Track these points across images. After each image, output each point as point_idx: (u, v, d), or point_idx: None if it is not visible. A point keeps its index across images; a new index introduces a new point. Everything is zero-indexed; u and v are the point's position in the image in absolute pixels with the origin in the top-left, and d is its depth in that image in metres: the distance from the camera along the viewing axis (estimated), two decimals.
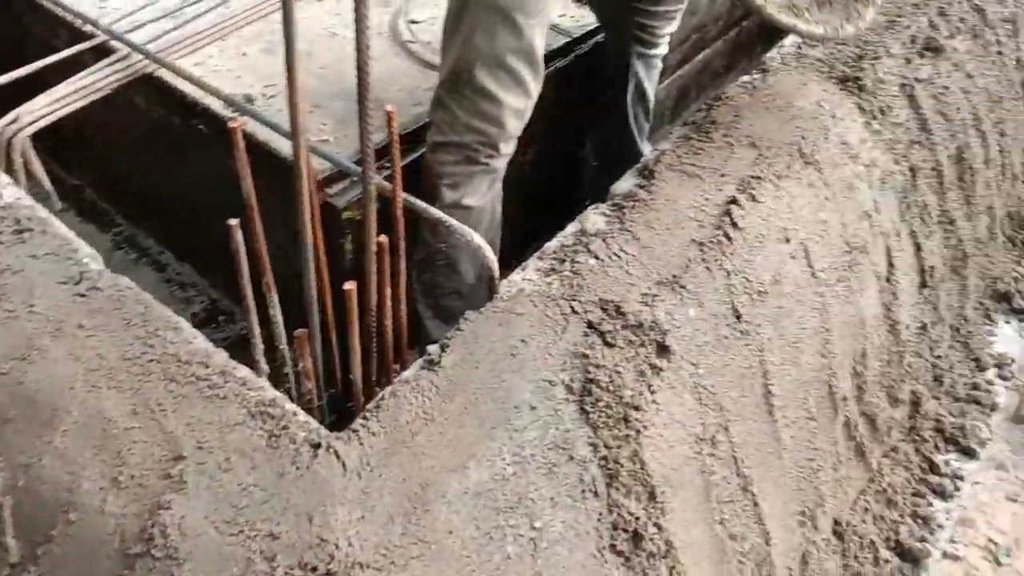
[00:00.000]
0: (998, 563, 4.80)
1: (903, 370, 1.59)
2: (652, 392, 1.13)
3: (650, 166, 1.41)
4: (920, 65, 1.76)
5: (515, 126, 1.58)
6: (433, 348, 1.10)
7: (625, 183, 1.39)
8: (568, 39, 1.95)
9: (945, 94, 1.78)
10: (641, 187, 1.37)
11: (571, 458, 1.04)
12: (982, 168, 1.87)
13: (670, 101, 2.29)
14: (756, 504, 1.24)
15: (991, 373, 1.79)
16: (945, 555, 4.93)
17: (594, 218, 1.33)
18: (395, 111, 1.02)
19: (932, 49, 1.78)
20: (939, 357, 1.70)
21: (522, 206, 1.78)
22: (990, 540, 5.02)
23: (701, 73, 2.34)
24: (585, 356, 1.12)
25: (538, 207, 1.89)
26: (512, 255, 1.53)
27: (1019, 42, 2.04)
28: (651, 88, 2.02)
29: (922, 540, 1.51)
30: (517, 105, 1.55)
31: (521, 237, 1.72)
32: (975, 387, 1.74)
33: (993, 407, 1.74)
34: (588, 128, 2.11)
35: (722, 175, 1.39)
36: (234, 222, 1.08)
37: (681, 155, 1.43)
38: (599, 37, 1.99)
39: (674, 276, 1.24)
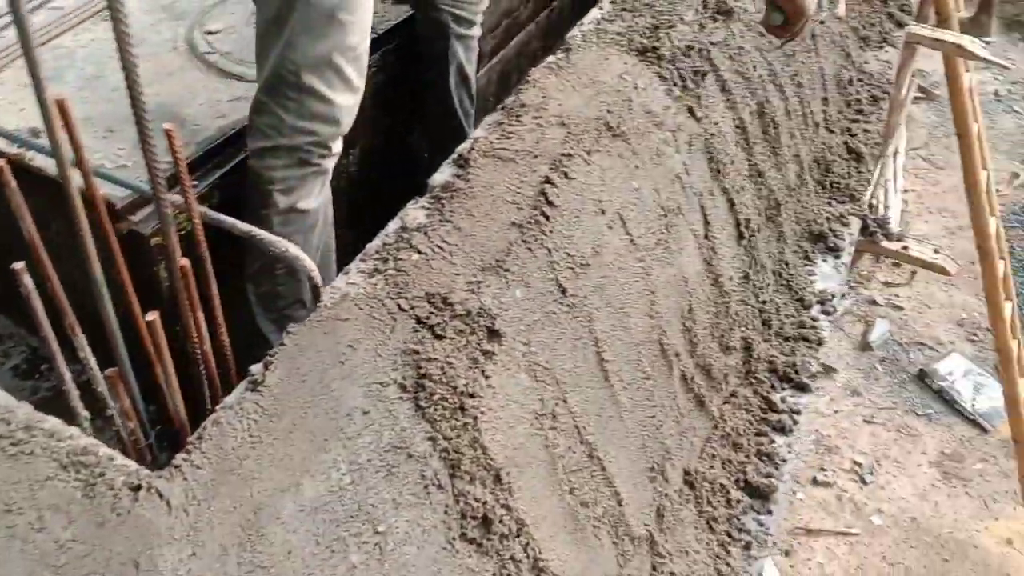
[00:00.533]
0: (864, 482, 5.17)
1: (731, 319, 1.68)
2: (487, 377, 1.14)
3: (465, 155, 1.42)
4: (714, 29, 1.85)
5: (347, 123, 1.59)
6: (256, 367, 1.07)
7: (442, 174, 1.40)
8: (384, 30, 1.95)
9: (740, 54, 1.88)
10: (458, 176, 1.38)
11: (410, 456, 1.04)
12: (784, 120, 2.00)
13: (492, 87, 2.31)
14: (604, 468, 1.28)
15: (815, 310, 1.92)
16: (815, 482, 5.24)
17: (414, 213, 1.33)
18: (175, 130, 0.97)
19: (724, 12, 1.88)
20: (764, 302, 1.81)
21: (360, 204, 1.76)
22: (854, 462, 5.39)
23: (519, 56, 2.38)
24: (416, 352, 1.12)
25: (376, 203, 1.87)
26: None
27: None
28: (471, 71, 2.06)
29: (768, 476, 1.60)
30: (347, 102, 1.56)
31: (364, 237, 1.70)
32: (801, 325, 1.86)
33: (820, 341, 1.87)
34: (416, 118, 2.11)
35: (535, 156, 1.42)
36: (19, 265, 1.01)
37: (494, 141, 1.45)
38: (414, 25, 2.00)
39: (497, 261, 1.26)
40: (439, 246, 1.25)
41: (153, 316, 1.01)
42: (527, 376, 1.20)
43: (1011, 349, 3.66)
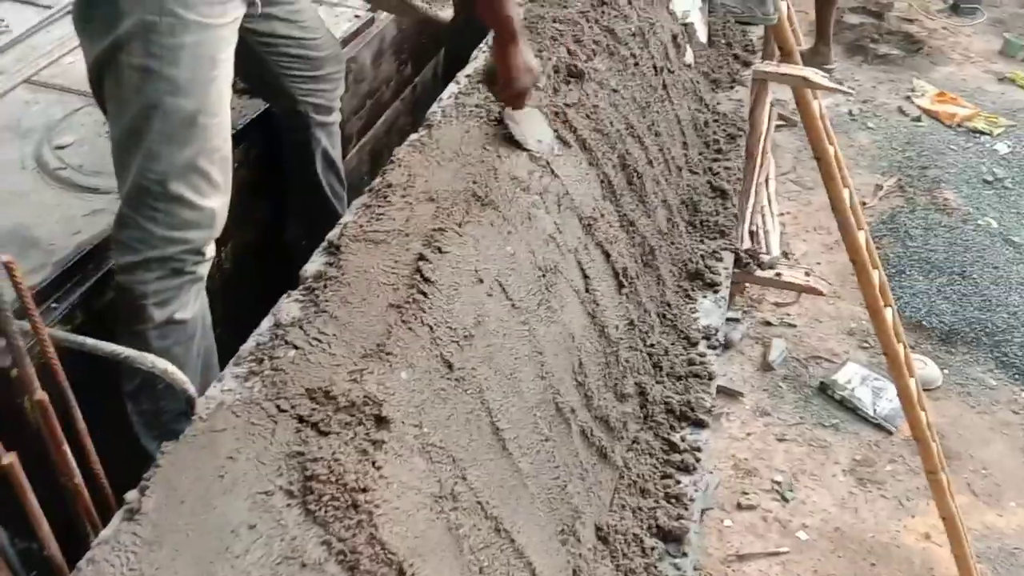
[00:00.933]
0: (785, 500, 5.29)
1: (623, 367, 1.71)
2: (378, 468, 1.12)
3: (335, 241, 1.41)
4: (568, 91, 1.93)
5: (219, 225, 1.60)
6: (131, 495, 1.01)
7: (314, 264, 1.39)
8: (243, 125, 1.94)
9: (596, 112, 1.96)
10: (330, 264, 1.38)
11: (304, 565, 1.00)
12: (647, 169, 2.08)
13: (365, 167, 2.33)
14: (512, 540, 1.27)
15: (702, 346, 1.98)
16: (740, 507, 5.33)
17: (287, 307, 1.31)
18: (14, 261, 0.93)
19: (575, 75, 1.95)
20: (653, 345, 1.85)
21: (238, 303, 1.72)
22: (774, 482, 5.51)
23: (388, 134, 2.40)
24: (300, 454, 1.09)
25: (255, 299, 1.83)
26: None
27: (650, 50, 2.31)
28: (337, 155, 2.07)
29: (679, 518, 1.61)
30: (216, 204, 1.55)
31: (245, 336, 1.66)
32: (691, 363, 1.91)
33: (710, 376, 1.92)
34: (287, 210, 2.10)
35: (406, 235, 1.43)
36: None
37: (363, 224, 1.45)
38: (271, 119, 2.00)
39: (378, 345, 1.25)
40: (316, 339, 1.23)
41: (10, 459, 0.95)
42: (422, 459, 1.18)
43: (897, 352, 3.86)
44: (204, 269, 1.61)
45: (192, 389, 1.18)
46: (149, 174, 1.48)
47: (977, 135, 7.24)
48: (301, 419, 1.12)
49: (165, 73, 1.46)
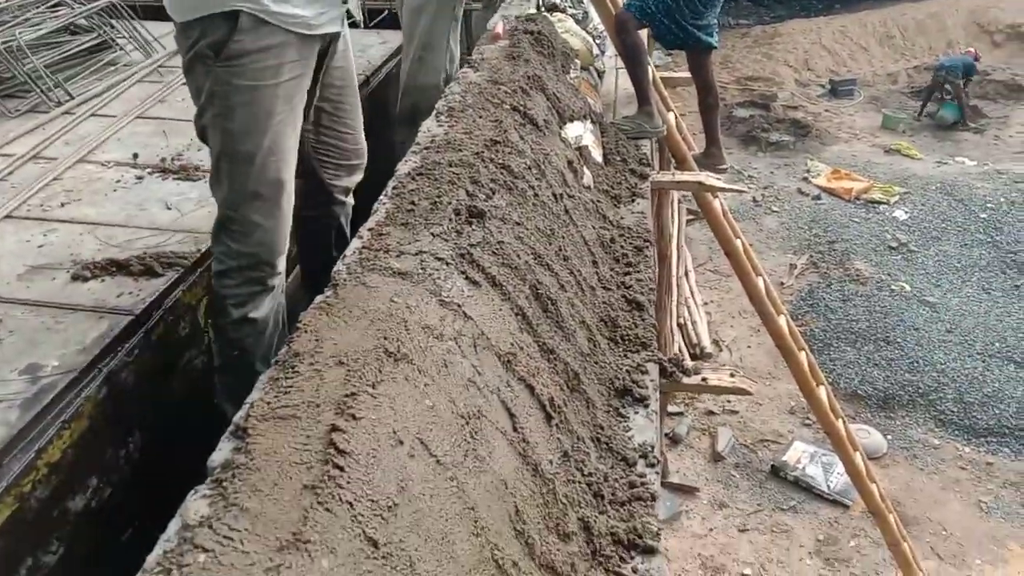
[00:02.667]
0: None
1: (562, 504, 1.66)
2: None
3: (241, 424, 1.35)
4: (471, 232, 1.94)
5: (283, 243, 2.01)
6: None
7: (220, 452, 1.32)
8: None
9: (502, 247, 1.98)
10: (238, 450, 1.31)
11: None
12: (561, 294, 2.09)
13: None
14: None
15: (640, 466, 1.94)
16: None
17: (195, 505, 1.22)
18: None
19: (476, 215, 1.98)
20: (591, 474, 1.81)
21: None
22: (742, 575, 5.39)
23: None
24: None
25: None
26: None
27: (547, 180, 2.37)
28: (348, 233, 2.44)
29: None
30: (278, 224, 1.98)
31: None
32: (632, 485, 1.87)
33: (653, 497, 1.88)
34: (304, 278, 2.58)
35: (317, 405, 1.38)
36: None
37: (270, 401, 1.39)
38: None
39: (294, 534, 1.17)
40: (227, 537, 1.15)
41: None
42: None
43: (838, 429, 3.90)
44: (275, 280, 2.03)
45: None
46: (227, 201, 1.95)
47: (875, 205, 7.65)
48: None
49: (226, 127, 1.92)
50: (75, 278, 2.02)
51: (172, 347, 2.11)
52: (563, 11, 3.84)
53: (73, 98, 3.42)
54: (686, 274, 6.00)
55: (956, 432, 5.48)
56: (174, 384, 2.14)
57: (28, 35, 3.62)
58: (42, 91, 3.37)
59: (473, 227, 1.95)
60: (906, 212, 7.60)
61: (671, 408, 5.75)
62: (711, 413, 5.82)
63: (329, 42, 2.14)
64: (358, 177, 2.46)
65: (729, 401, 5.83)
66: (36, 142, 2.96)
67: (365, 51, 4.03)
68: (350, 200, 2.48)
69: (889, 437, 5.41)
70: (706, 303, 6.44)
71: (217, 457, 1.31)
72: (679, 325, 5.07)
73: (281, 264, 2.02)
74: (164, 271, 2.11)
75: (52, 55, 3.64)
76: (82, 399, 1.66)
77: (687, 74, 3.91)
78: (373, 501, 1.27)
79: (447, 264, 1.80)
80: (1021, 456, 5.26)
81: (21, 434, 1.68)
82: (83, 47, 3.82)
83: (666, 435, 5.05)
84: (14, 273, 2.16)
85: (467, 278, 1.82)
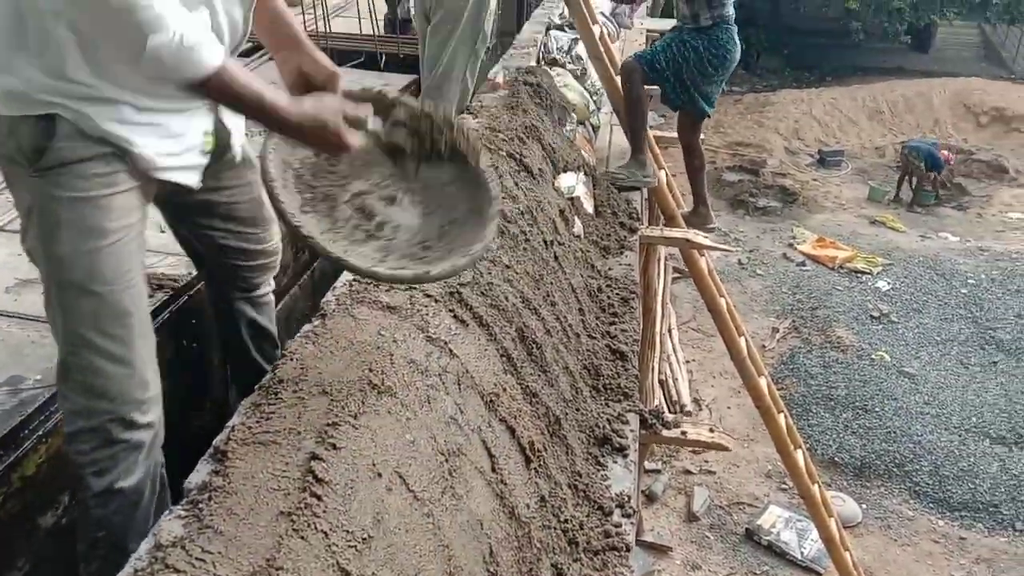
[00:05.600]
0: None
1: (536, 548, 1.65)
2: None
3: (221, 447, 1.35)
4: (463, 272, 1.96)
5: (137, 392, 1.57)
6: None
7: (198, 474, 1.31)
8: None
9: (491, 288, 2.00)
10: (216, 473, 1.30)
11: None
12: (546, 338, 2.11)
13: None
14: None
15: (616, 515, 1.94)
16: None
17: (169, 526, 1.22)
18: None
19: None
20: (566, 520, 1.81)
21: None
22: None
23: (288, 320, 2.38)
24: None
25: None
26: None
27: (539, 226, 2.40)
28: (267, 323, 2.07)
29: None
30: (128, 371, 1.55)
31: None
32: (607, 535, 1.86)
33: (627, 547, 1.87)
34: (232, 378, 2.22)
35: (298, 433, 1.38)
36: None
37: (252, 425, 1.39)
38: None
39: (268, 560, 1.16)
40: (199, 559, 1.14)
41: None
42: None
43: (814, 494, 3.90)
44: (143, 435, 1.58)
45: None
46: (65, 346, 1.53)
47: (859, 275, 7.76)
48: None
49: (48, 251, 1.50)
50: None
51: None
52: (562, 66, 3.94)
53: None
54: (669, 331, 6.03)
55: (931, 505, 5.48)
56: None
57: None
58: None
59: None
60: (888, 283, 7.71)
61: (648, 465, 5.73)
62: (688, 472, 5.80)
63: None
64: (269, 274, 2.02)
65: (707, 461, 5.81)
66: None
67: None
68: (260, 292, 2.04)
69: (864, 506, 5.40)
70: (688, 361, 6.46)
71: (194, 479, 1.30)
72: (660, 382, 5.08)
73: (151, 414, 1.58)
74: (153, 292, 2.11)
75: None
76: (59, 415, 1.65)
77: None
78: (348, 532, 1.26)
79: (436, 301, 1.82)
80: (994, 532, 5.26)
81: None
82: None
83: (642, 492, 5.02)
84: (3, 286, 2.16)
85: (455, 316, 1.84)
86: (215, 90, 1.43)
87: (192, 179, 1.64)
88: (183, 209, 1.80)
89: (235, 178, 1.81)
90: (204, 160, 1.66)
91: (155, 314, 2.04)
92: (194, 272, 2.19)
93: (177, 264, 2.27)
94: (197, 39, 1.37)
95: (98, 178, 1.49)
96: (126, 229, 1.53)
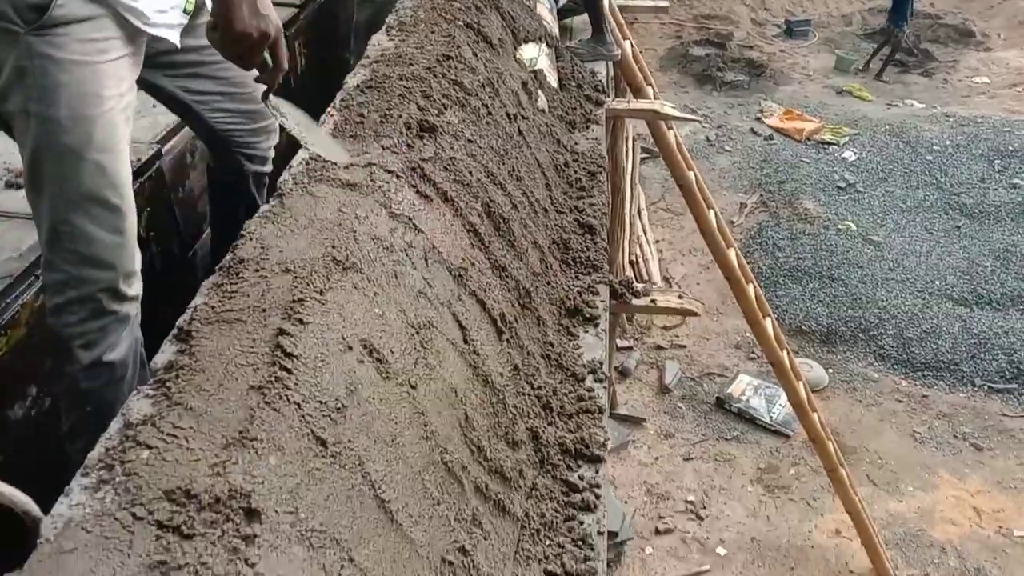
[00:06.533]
0: (700, 518, 5.34)
1: (511, 414, 1.68)
2: (251, 565, 1.04)
3: (185, 327, 1.33)
4: (423, 146, 1.91)
5: (128, 262, 1.61)
6: None
7: (163, 355, 1.30)
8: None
9: (454, 163, 1.95)
10: (182, 352, 1.29)
11: None
12: (513, 213, 2.08)
13: None
14: None
15: (589, 381, 1.97)
16: (658, 532, 5.33)
17: (138, 405, 1.21)
18: None
19: (427, 130, 1.94)
20: (540, 387, 1.83)
21: None
22: (687, 502, 5.56)
23: None
24: (163, 563, 1.00)
25: None
26: None
27: (501, 99, 2.33)
28: (261, 201, 2.13)
29: (586, 560, 1.58)
30: (120, 239, 1.58)
31: None
32: (580, 399, 1.90)
33: (600, 410, 1.91)
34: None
35: (263, 311, 1.36)
36: None
37: (215, 304, 1.37)
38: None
39: (241, 432, 1.17)
40: (171, 435, 1.14)
41: None
42: (301, 548, 1.11)
43: (782, 360, 4.00)
44: (129, 308, 1.62)
45: (37, 512, 1.06)
46: (55, 213, 1.53)
47: (826, 146, 7.74)
48: (161, 524, 1.03)
49: (45, 114, 1.49)
50: (9, 185, 1.96)
51: None
52: None
53: None
54: (639, 212, 6.03)
55: (894, 366, 5.66)
56: None
57: None
58: None
59: (424, 142, 1.92)
60: (855, 153, 7.70)
61: (621, 343, 5.83)
62: (659, 348, 5.91)
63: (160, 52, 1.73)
64: (272, 139, 2.11)
65: (677, 336, 5.93)
66: None
67: None
68: (267, 168, 2.13)
69: (830, 371, 5.57)
70: (657, 241, 6.49)
71: (160, 359, 1.29)
72: (631, 262, 5.11)
73: (134, 287, 1.61)
74: None
75: None
76: (18, 306, 1.62)
77: (646, 2, 3.86)
78: (322, 403, 1.27)
79: (397, 177, 1.77)
80: (955, 390, 5.47)
81: None
82: None
83: (615, 368, 5.12)
84: None
85: (418, 192, 1.80)
86: None
87: (175, 36, 1.70)
88: (173, 73, 1.83)
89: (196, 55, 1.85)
90: (184, 20, 1.72)
91: None
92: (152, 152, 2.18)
93: None
94: None
95: (94, 43, 1.52)
96: (118, 98, 1.57)
